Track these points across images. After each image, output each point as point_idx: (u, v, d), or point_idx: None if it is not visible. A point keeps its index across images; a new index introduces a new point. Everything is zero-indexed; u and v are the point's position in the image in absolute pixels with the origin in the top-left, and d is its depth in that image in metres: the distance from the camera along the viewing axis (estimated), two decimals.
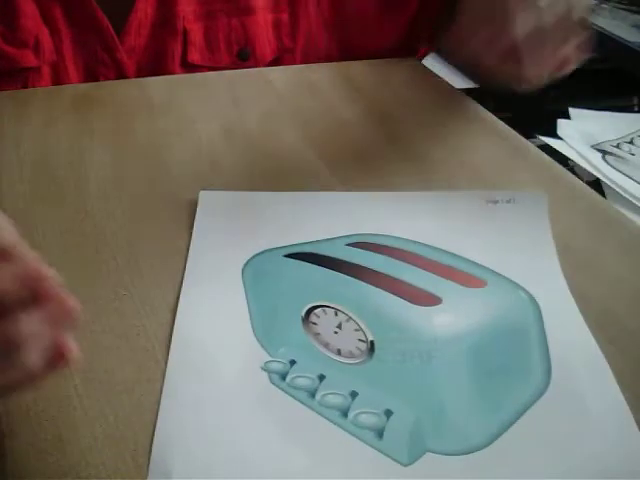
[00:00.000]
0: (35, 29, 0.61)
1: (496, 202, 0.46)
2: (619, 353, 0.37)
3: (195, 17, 0.65)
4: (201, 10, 0.65)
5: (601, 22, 1.18)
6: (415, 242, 0.43)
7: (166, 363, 0.34)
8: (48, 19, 0.62)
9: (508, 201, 0.46)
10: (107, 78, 0.65)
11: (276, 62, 0.70)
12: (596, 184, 0.60)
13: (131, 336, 0.36)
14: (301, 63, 0.71)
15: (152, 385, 0.33)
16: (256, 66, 0.69)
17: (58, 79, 0.64)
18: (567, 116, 0.73)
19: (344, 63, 0.71)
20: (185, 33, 0.65)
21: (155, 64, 0.66)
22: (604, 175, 0.62)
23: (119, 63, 0.64)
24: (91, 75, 0.65)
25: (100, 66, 0.64)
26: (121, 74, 0.65)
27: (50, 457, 0.30)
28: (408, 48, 0.74)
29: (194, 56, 0.66)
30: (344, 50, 0.72)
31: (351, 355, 0.35)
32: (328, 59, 0.71)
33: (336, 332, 0.36)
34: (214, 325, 0.37)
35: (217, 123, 0.57)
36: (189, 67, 0.67)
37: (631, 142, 0.72)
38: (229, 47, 0.67)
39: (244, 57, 0.68)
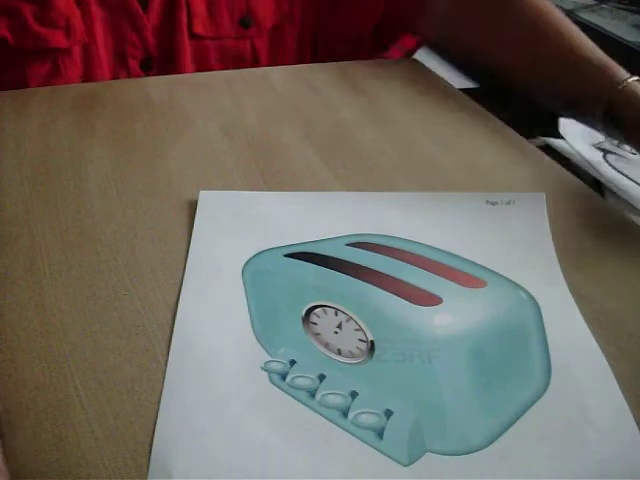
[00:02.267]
0: (67, 10, 0.62)
1: (495, 204, 0.46)
2: (619, 353, 0.37)
3: None
4: None
5: (601, 22, 1.18)
6: (415, 242, 0.43)
7: (166, 363, 0.34)
8: (81, 1, 0.63)
9: (507, 202, 0.46)
10: (134, 58, 0.67)
11: (277, 30, 0.72)
12: (596, 184, 0.60)
13: (131, 336, 0.36)
14: (299, 32, 0.73)
15: (152, 385, 0.33)
16: (259, 34, 0.70)
17: (89, 60, 0.65)
18: None
19: (344, 63, 0.71)
20: (188, 5, 0.66)
21: (169, 40, 0.67)
22: (602, 176, 0.62)
23: (146, 42, 0.66)
24: (120, 56, 0.67)
25: (129, 46, 0.66)
26: (147, 53, 0.67)
27: (50, 457, 0.30)
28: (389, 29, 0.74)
29: (198, 27, 0.67)
30: (331, 22, 0.74)
31: (351, 355, 0.35)
32: (320, 29, 0.74)
33: (336, 332, 0.36)
34: (214, 325, 0.37)
35: (217, 123, 0.57)
36: (196, 39, 0.68)
37: None
38: (231, 16, 0.68)
39: (246, 25, 0.69)
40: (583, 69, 0.50)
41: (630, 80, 0.48)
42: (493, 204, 0.46)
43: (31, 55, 0.62)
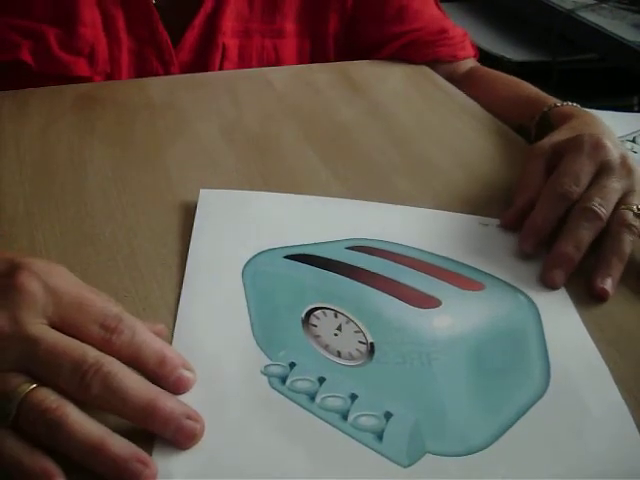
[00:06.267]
0: (92, 38, 0.62)
1: (487, 225, 0.46)
2: (617, 354, 0.37)
3: (232, 33, 0.67)
4: (239, 27, 0.67)
5: (601, 21, 1.18)
6: (413, 248, 0.43)
7: None
8: (110, 28, 0.63)
9: (499, 226, 0.46)
10: None
11: None
12: None
13: None
14: None
15: None
16: None
17: None
18: None
19: (344, 63, 0.71)
20: (224, 47, 0.67)
21: None
22: None
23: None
24: None
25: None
26: None
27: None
28: None
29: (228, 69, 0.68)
30: None
31: (351, 357, 0.35)
32: None
33: (336, 334, 0.36)
34: (214, 328, 0.36)
35: (217, 123, 0.57)
36: None
37: (633, 140, 0.73)
38: (260, 64, 0.69)
39: None
40: (524, 101, 0.63)
41: (559, 104, 0.58)
42: (484, 225, 0.46)
43: (52, 81, 0.61)
